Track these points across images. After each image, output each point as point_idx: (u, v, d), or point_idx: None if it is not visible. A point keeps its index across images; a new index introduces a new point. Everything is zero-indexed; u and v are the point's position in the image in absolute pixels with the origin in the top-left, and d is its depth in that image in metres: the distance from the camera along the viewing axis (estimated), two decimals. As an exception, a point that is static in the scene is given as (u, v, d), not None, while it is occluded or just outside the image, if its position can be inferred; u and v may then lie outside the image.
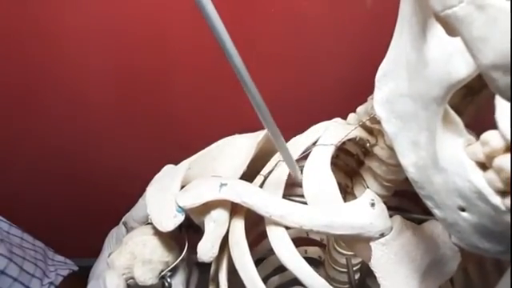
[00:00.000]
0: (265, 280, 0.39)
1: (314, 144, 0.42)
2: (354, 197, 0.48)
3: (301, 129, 0.45)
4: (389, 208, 0.35)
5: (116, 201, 0.67)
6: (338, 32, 0.68)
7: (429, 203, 0.28)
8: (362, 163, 0.47)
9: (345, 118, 0.46)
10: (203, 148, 0.49)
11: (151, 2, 0.65)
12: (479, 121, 0.31)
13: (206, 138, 0.49)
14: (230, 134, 0.50)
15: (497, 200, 0.22)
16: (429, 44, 0.24)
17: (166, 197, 0.44)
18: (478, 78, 0.21)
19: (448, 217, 0.26)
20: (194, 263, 0.56)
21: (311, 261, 0.68)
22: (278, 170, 0.43)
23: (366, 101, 0.41)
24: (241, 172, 0.44)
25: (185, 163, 0.48)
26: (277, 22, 0.67)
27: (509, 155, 0.21)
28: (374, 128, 0.41)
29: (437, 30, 0.24)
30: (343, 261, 0.56)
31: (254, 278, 0.38)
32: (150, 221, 0.45)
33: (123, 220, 0.56)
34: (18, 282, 0.49)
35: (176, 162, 0.50)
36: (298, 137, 0.45)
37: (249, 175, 0.45)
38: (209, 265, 0.47)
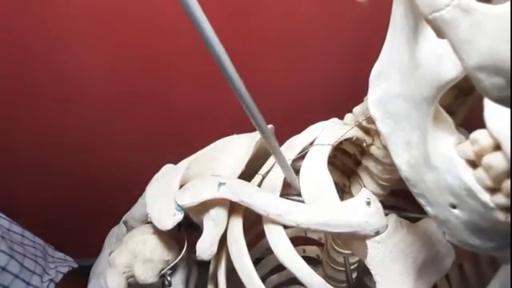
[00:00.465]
0: (263, 279, 0.39)
1: (312, 144, 0.43)
2: (352, 196, 0.49)
3: (298, 129, 0.46)
4: (385, 207, 0.36)
5: (116, 200, 0.68)
6: (335, 32, 0.68)
7: (421, 201, 0.29)
8: (359, 163, 0.48)
9: (342, 118, 0.46)
10: (202, 148, 0.49)
11: (151, 1, 0.65)
12: (472, 120, 0.31)
13: (205, 138, 0.49)
14: (229, 134, 0.50)
15: (486, 197, 0.23)
16: (420, 46, 0.25)
17: (165, 196, 0.45)
18: (470, 79, 0.22)
19: (440, 214, 0.27)
20: (193, 262, 0.56)
21: (309, 260, 0.68)
22: (275, 170, 0.43)
23: (362, 101, 0.42)
24: (239, 171, 0.45)
25: (184, 163, 0.48)
26: (272, 22, 0.67)
27: (498, 153, 0.21)
28: (370, 128, 0.42)
29: (428, 32, 0.24)
30: (341, 259, 0.56)
31: (253, 276, 0.38)
32: (149, 220, 0.46)
33: (123, 219, 0.57)
34: (19, 279, 0.49)
35: (175, 162, 0.50)
36: (295, 137, 0.45)
37: (247, 175, 0.45)
38: (208, 264, 0.47)
